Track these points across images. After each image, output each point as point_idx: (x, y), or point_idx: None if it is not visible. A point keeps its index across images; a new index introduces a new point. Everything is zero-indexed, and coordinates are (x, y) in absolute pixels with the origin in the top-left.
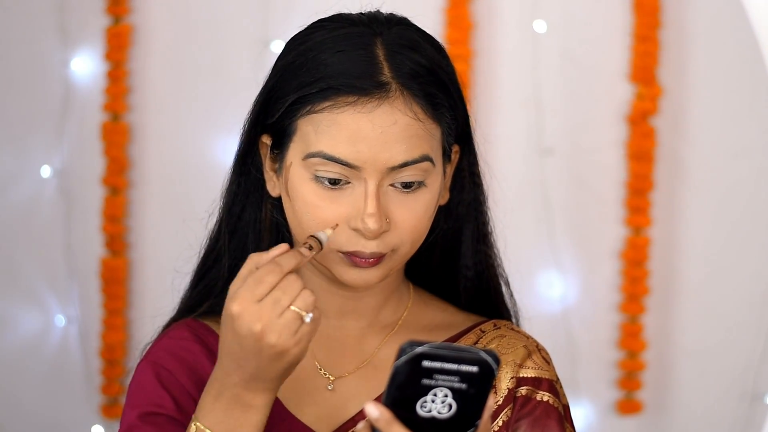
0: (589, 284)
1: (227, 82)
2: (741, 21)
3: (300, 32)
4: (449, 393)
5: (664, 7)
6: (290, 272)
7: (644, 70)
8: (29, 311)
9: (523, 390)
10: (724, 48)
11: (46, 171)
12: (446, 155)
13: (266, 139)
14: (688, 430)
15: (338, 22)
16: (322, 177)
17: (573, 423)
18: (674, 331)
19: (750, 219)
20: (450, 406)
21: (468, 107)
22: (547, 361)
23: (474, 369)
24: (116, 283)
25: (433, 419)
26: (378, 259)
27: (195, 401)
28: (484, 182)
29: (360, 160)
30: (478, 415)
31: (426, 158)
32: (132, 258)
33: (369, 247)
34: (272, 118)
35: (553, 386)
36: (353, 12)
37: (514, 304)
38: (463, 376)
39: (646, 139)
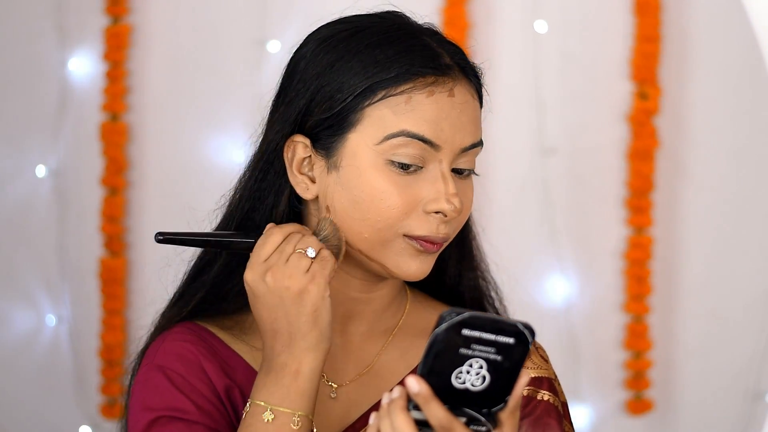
0: (591, 284)
1: (226, 82)
2: (741, 21)
3: (322, 32)
4: (484, 364)
5: (664, 7)
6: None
7: (645, 70)
8: (21, 311)
9: (525, 390)
10: (725, 48)
11: (41, 171)
12: None
13: (301, 139)
14: (692, 428)
15: (362, 19)
16: (398, 161)
17: (571, 420)
18: (677, 330)
19: (750, 217)
20: (483, 379)
21: None
22: (546, 359)
23: (511, 340)
24: (115, 283)
25: (466, 391)
26: (441, 244)
27: (209, 401)
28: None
29: (441, 139)
30: (508, 390)
31: (482, 142)
32: (131, 258)
33: (441, 230)
34: (326, 114)
35: (552, 385)
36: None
37: (503, 304)
38: (500, 348)
39: (648, 138)
